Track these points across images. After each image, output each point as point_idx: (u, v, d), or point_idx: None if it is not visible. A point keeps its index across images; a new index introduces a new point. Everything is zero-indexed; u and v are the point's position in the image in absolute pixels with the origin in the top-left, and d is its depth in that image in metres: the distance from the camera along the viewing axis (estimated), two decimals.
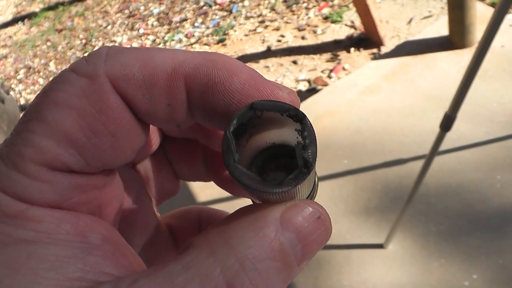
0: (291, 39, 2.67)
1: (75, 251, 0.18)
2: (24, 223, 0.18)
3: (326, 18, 2.71)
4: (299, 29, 2.71)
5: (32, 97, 3.31)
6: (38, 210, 0.19)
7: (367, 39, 2.43)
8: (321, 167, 1.79)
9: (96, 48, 3.11)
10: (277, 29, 2.80)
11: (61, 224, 0.19)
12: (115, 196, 0.23)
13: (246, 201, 0.23)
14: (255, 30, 2.89)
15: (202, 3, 3.38)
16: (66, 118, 0.19)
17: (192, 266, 0.18)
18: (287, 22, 2.82)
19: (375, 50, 2.35)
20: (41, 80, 3.44)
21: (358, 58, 2.35)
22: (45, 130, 0.19)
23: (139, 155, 0.25)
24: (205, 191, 1.83)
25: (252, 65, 2.59)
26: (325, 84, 2.27)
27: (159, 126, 0.24)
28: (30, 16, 4.39)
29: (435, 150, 1.20)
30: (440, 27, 2.23)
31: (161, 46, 3.16)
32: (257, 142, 0.22)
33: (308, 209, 0.20)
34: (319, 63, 2.43)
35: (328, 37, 2.57)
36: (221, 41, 2.92)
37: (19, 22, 4.42)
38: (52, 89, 0.20)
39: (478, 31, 2.03)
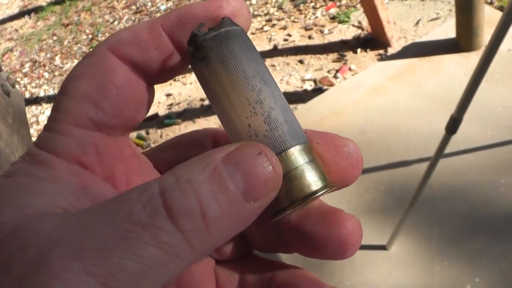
0: (298, 39, 2.67)
1: (72, 191, 0.23)
2: (45, 168, 0.23)
3: (333, 18, 2.70)
4: (306, 28, 2.71)
5: (37, 91, 3.32)
6: (59, 161, 0.24)
7: (374, 40, 2.42)
8: None
9: None
10: (284, 28, 2.80)
11: (71, 174, 0.23)
12: (130, 177, 0.27)
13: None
14: (262, 28, 2.88)
15: None
16: (81, 83, 0.24)
17: (140, 185, 0.20)
18: (294, 21, 2.82)
19: (381, 51, 2.35)
20: (46, 74, 3.45)
21: (364, 58, 2.35)
22: (68, 98, 0.25)
23: (142, 109, 0.27)
24: None
25: None
26: (331, 84, 2.27)
27: (160, 76, 0.27)
28: (37, 10, 4.40)
29: (440, 152, 1.20)
30: (447, 30, 2.23)
31: None
32: None
33: (250, 146, 0.22)
34: (325, 63, 2.42)
35: (335, 37, 2.57)
36: None
37: (26, 16, 4.43)
38: (70, 72, 0.26)
39: (485, 34, 2.03)
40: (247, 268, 0.29)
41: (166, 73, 0.28)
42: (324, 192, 0.25)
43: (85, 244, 0.18)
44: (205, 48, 0.24)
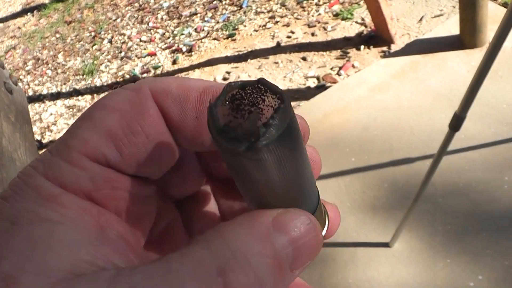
0: (301, 36, 2.67)
1: (91, 238, 0.20)
2: (54, 206, 0.20)
3: (336, 15, 2.70)
4: (309, 25, 2.70)
5: (40, 88, 3.32)
6: (69, 197, 0.21)
7: (377, 37, 2.42)
8: (328, 164, 1.79)
9: (105, 40, 3.10)
10: (287, 25, 2.79)
11: (85, 213, 0.21)
12: (145, 211, 0.26)
13: None
14: (265, 25, 2.88)
15: None
16: (109, 117, 0.22)
17: (188, 255, 0.19)
18: (297, 18, 2.81)
19: (385, 48, 2.34)
20: (49, 72, 3.45)
21: (367, 55, 2.35)
22: (90, 126, 0.22)
23: (164, 166, 0.25)
24: None
25: (261, 61, 2.59)
26: (334, 81, 2.26)
27: (187, 141, 0.25)
28: (40, 7, 4.40)
29: (443, 149, 1.19)
30: (451, 26, 2.22)
31: (170, 40, 3.16)
32: None
33: (299, 215, 0.21)
34: (328, 60, 2.42)
35: (338, 34, 2.56)
36: (230, 36, 2.92)
37: (29, 13, 4.43)
38: (102, 98, 0.23)
39: (489, 31, 2.02)
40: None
41: (195, 147, 0.25)
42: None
43: None
44: (263, 151, 0.19)
